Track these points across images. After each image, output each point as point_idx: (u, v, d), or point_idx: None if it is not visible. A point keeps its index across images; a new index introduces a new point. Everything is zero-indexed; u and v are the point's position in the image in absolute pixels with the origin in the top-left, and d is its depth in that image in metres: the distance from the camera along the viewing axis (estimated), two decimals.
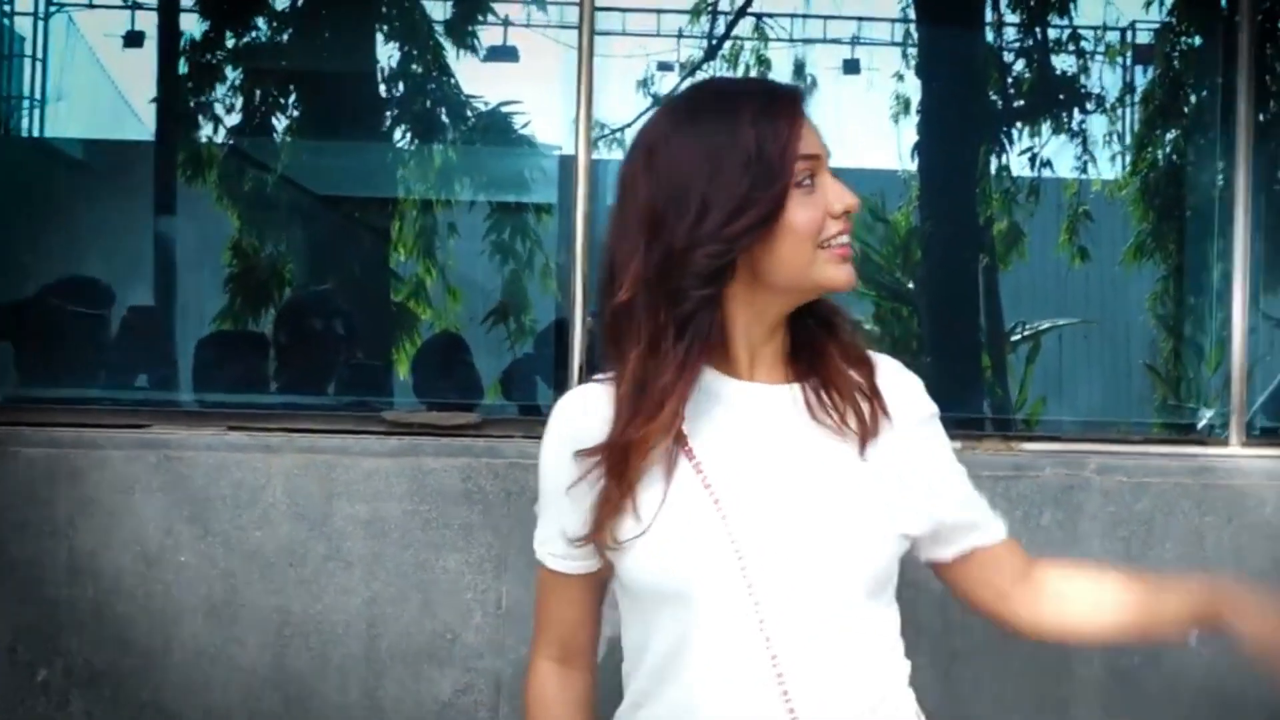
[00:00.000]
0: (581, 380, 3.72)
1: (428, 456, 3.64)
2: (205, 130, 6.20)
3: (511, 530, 3.61)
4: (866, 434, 1.89)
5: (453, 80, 6.41)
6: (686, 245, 1.79)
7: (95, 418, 3.76)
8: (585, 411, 1.93)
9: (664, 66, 7.14)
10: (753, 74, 7.08)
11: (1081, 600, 2.05)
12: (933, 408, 1.99)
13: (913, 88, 6.88)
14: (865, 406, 1.90)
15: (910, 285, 7.19)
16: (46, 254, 5.56)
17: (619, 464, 1.84)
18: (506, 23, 6.47)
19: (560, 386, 3.91)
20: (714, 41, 6.98)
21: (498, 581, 3.61)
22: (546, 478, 1.99)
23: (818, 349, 1.92)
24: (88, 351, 4.92)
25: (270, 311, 5.83)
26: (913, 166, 6.77)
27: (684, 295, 1.81)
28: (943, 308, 6.64)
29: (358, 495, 3.62)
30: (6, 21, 6.83)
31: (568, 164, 3.91)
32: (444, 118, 6.50)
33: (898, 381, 1.96)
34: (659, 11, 6.95)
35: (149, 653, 3.59)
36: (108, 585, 3.58)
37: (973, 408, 5.86)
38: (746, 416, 1.90)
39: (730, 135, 1.81)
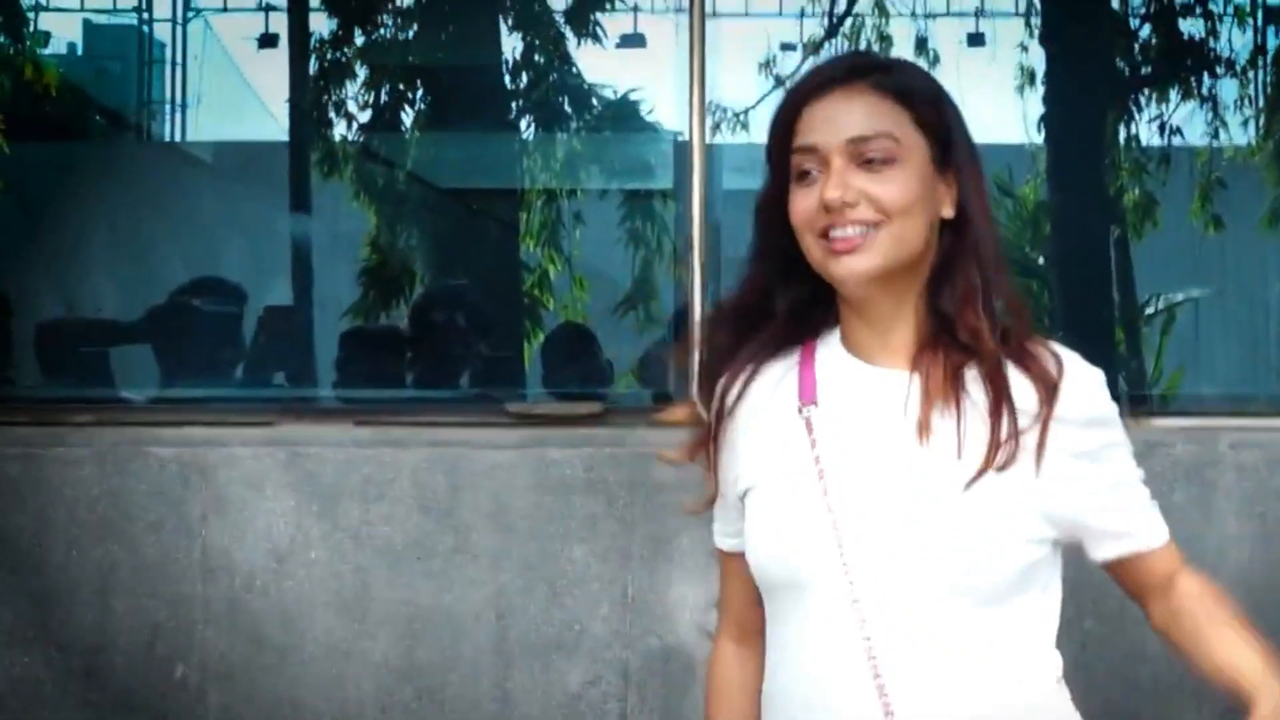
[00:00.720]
0: (702, 366, 3.65)
1: (551, 447, 3.60)
2: (338, 128, 6.22)
3: (636, 521, 3.55)
4: (996, 433, 1.75)
5: (574, 69, 6.37)
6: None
7: (225, 416, 3.76)
8: (728, 383, 1.89)
9: (786, 47, 7.03)
10: (875, 50, 6.94)
11: (1182, 630, 1.94)
12: (1101, 410, 1.81)
13: (1037, 59, 6.70)
14: (994, 411, 1.78)
15: (1040, 260, 7.02)
16: (185, 257, 5.62)
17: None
18: (634, 9, 6.41)
19: (682, 374, 3.85)
20: (835, 20, 6.84)
21: (623, 572, 3.56)
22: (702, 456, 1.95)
23: (939, 343, 1.80)
24: (221, 351, 4.95)
25: (401, 306, 5.83)
26: (1039, 139, 6.59)
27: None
28: (1074, 281, 6.48)
29: (483, 487, 3.59)
30: (146, 29, 6.92)
31: (683, 149, 3.84)
32: (567, 107, 6.45)
33: (1069, 379, 1.78)
34: None
35: (283, 648, 3.59)
36: (241, 583, 3.59)
37: (1107, 384, 5.69)
38: (865, 399, 1.82)
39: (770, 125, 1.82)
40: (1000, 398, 1.76)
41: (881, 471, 1.79)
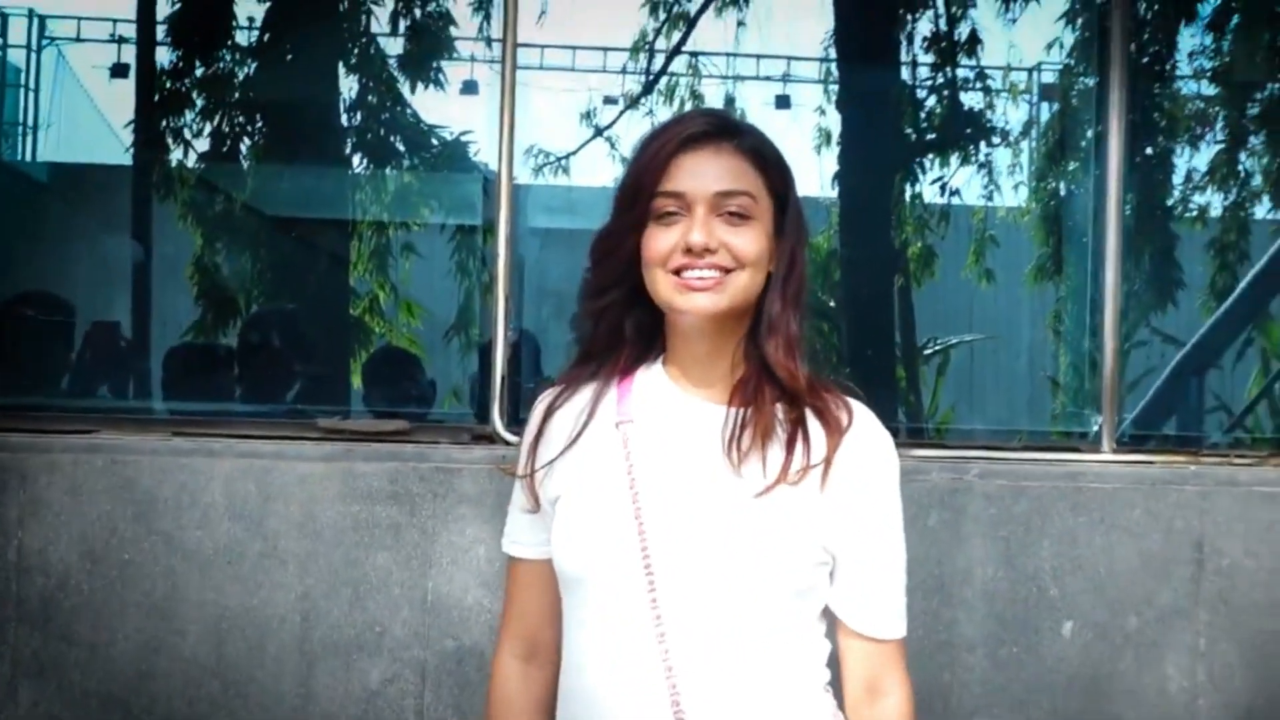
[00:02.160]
0: (504, 393, 3.67)
1: (359, 461, 3.58)
2: (177, 155, 6.12)
3: (437, 530, 3.54)
4: (790, 455, 1.83)
5: (407, 110, 6.35)
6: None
7: (47, 424, 3.67)
8: (553, 401, 1.98)
9: (609, 100, 7.08)
10: (688, 106, 7.02)
11: None
12: (882, 462, 1.89)
13: (835, 122, 6.83)
14: (790, 442, 1.84)
15: (831, 304, 7.14)
16: (23, 272, 5.47)
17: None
18: (471, 58, 6.41)
19: (482, 398, 3.86)
20: (651, 77, 6.92)
21: (423, 578, 3.55)
22: (519, 465, 1.99)
23: (761, 381, 1.88)
24: (48, 362, 4.83)
25: (235, 327, 5.75)
26: (834, 194, 6.72)
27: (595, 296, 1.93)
28: (861, 324, 6.60)
29: (292, 497, 3.55)
30: (1, 53, 6.74)
31: (494, 188, 3.85)
32: (399, 145, 6.43)
33: (859, 426, 1.87)
34: (604, 49, 6.91)
35: (94, 645, 3.51)
36: (55, 582, 3.50)
37: (888, 416, 5.81)
38: (681, 425, 1.88)
39: (630, 165, 1.88)
40: (797, 429, 1.83)
41: (689, 484, 1.83)
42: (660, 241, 1.85)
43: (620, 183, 1.91)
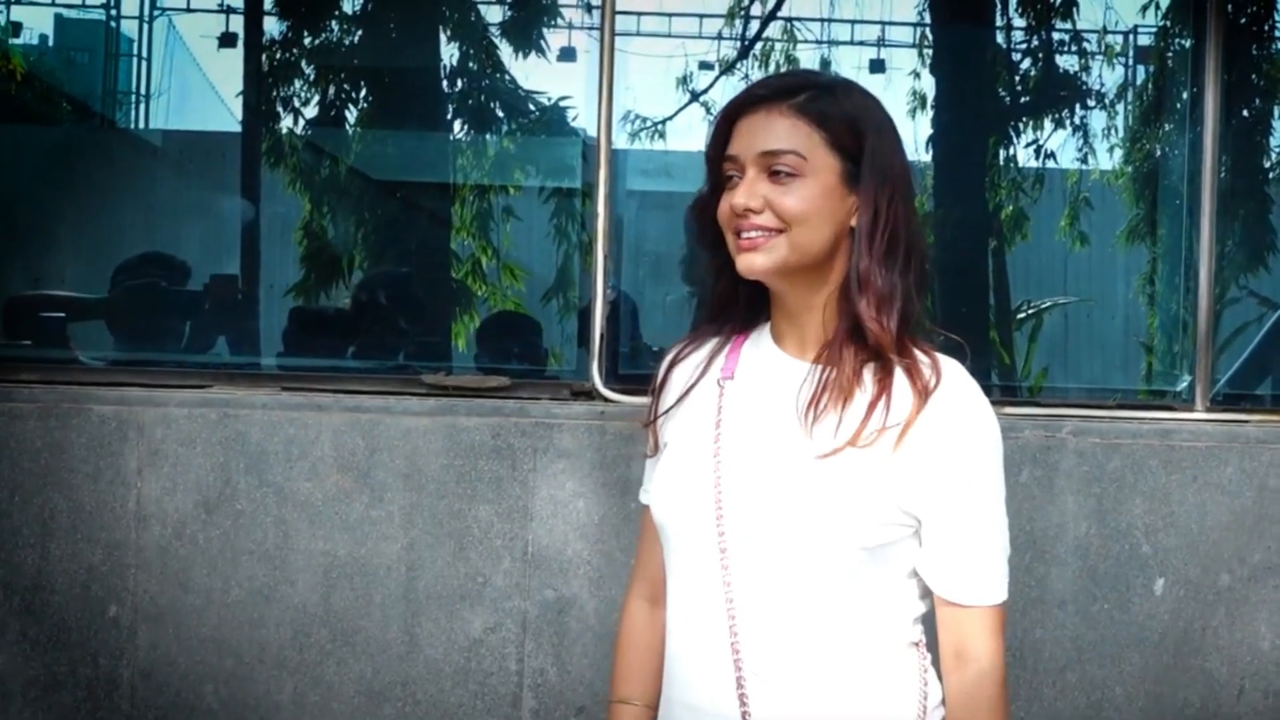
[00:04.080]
0: (603, 351, 3.68)
1: (461, 415, 3.62)
2: (285, 122, 6.18)
3: (538, 484, 3.58)
4: (868, 418, 1.80)
5: (506, 76, 6.37)
6: None
7: (163, 379, 3.75)
8: (679, 353, 2.02)
9: (705, 66, 7.06)
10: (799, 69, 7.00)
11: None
12: (969, 422, 1.82)
13: (929, 85, 6.76)
14: (872, 403, 1.81)
15: (926, 266, 7.10)
16: (140, 236, 5.58)
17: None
18: (569, 26, 6.43)
19: (582, 356, 3.88)
20: (746, 42, 6.88)
21: (524, 530, 3.58)
22: (647, 414, 2.05)
23: (846, 340, 1.85)
24: (164, 320, 4.93)
25: (339, 288, 5.82)
26: (928, 158, 6.65)
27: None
28: (955, 286, 6.53)
29: (397, 450, 3.60)
30: (114, 24, 6.85)
31: (593, 153, 3.86)
32: (498, 110, 6.46)
33: (946, 387, 1.83)
34: (700, 16, 6.89)
35: (209, 591, 3.58)
36: (172, 531, 3.58)
37: (981, 376, 5.76)
38: (770, 384, 1.89)
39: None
40: (883, 392, 1.81)
41: (765, 443, 1.84)
42: (722, 205, 1.88)
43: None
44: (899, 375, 1.82)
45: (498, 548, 3.59)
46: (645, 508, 2.02)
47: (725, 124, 1.87)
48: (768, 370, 1.90)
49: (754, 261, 1.83)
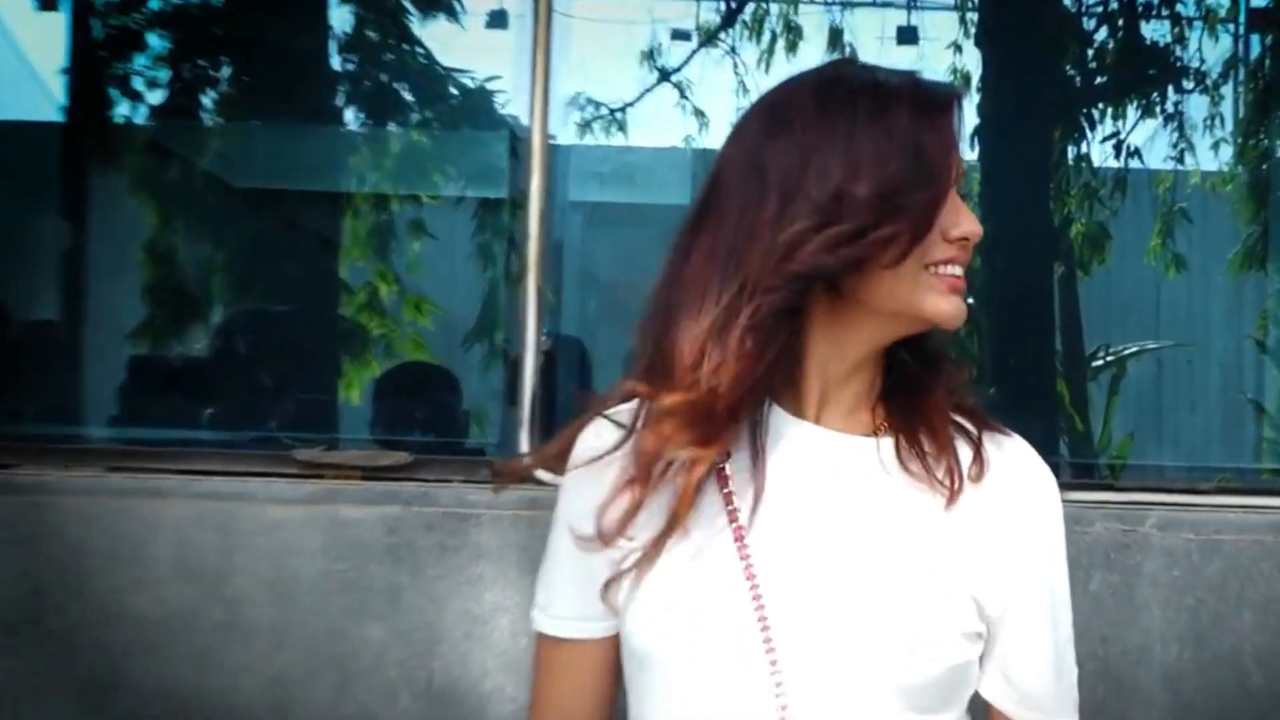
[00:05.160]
0: (536, 415, 3.69)
1: (347, 504, 3.61)
2: (121, 110, 6.21)
3: (447, 595, 3.57)
4: (954, 496, 1.87)
5: (418, 50, 6.41)
6: (807, 229, 1.80)
7: None
8: (601, 435, 1.96)
9: (679, 35, 7.12)
10: (780, 44, 7.05)
11: None
12: (1051, 521, 1.94)
13: (973, 61, 6.83)
14: (963, 467, 1.88)
15: (969, 299, 7.13)
16: None
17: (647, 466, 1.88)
18: None
19: (510, 420, 3.88)
20: (733, 4, 6.95)
21: (429, 657, 3.57)
22: (561, 515, 2.00)
23: (916, 396, 1.93)
24: None
25: (191, 330, 5.84)
26: (972, 155, 6.72)
27: (776, 283, 1.81)
28: (1009, 327, 6.60)
29: (261, 550, 3.58)
30: None
31: (525, 150, 3.87)
32: (407, 95, 6.49)
33: (1025, 464, 1.95)
34: None
35: None
36: None
37: (1045, 449, 5.78)
38: (808, 465, 1.89)
39: (885, 126, 1.82)
40: (976, 458, 1.89)
41: (819, 542, 1.85)
42: (949, 223, 1.92)
43: (898, 150, 1.93)
44: (961, 442, 1.92)
45: (393, 680, 3.57)
46: (551, 640, 2.02)
47: (953, 120, 1.88)
48: (788, 444, 1.91)
49: (962, 309, 1.88)
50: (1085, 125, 6.97)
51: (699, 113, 6.75)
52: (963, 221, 1.85)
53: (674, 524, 1.85)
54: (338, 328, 6.19)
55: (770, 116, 1.86)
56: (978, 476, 1.88)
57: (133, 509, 3.59)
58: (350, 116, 6.54)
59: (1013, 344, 6.53)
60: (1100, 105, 7.00)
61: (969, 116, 6.75)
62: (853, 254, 1.78)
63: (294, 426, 4.98)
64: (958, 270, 1.87)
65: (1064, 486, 3.60)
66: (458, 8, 6.41)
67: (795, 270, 1.78)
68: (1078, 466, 6.20)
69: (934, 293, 1.85)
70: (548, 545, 2.01)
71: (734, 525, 1.87)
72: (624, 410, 1.94)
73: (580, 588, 1.97)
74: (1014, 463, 1.92)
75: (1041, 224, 6.74)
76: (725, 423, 1.82)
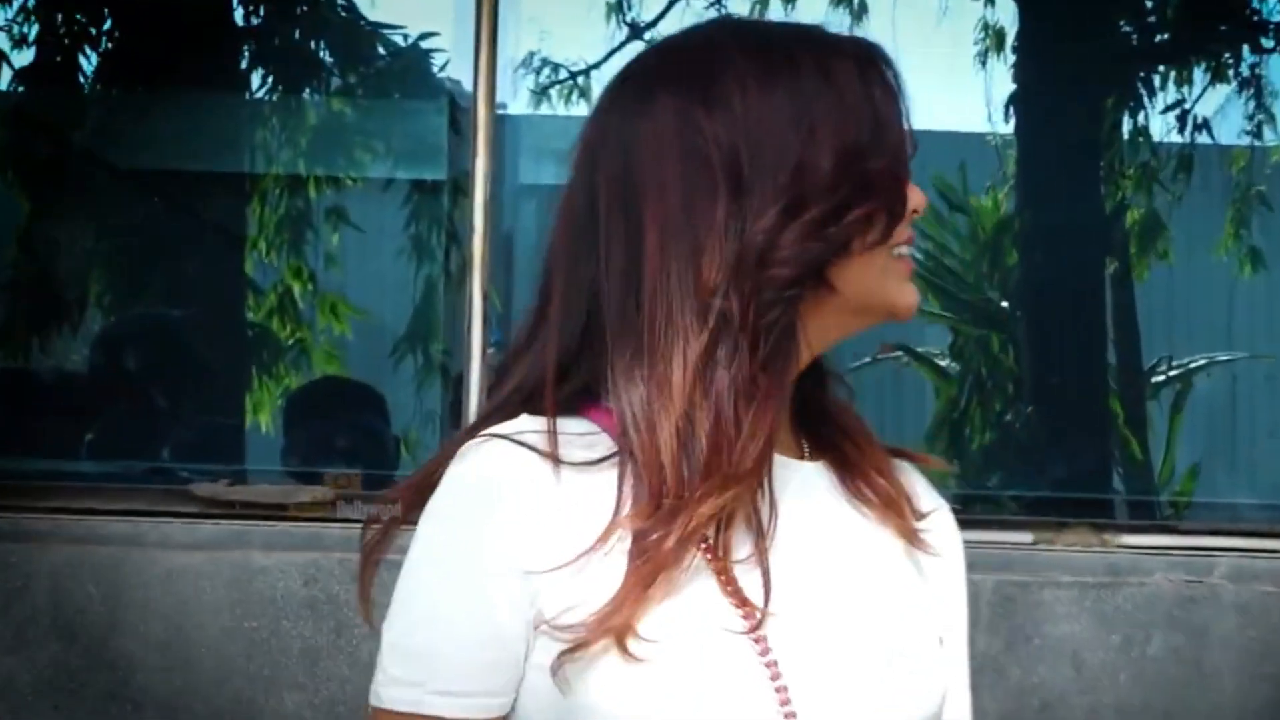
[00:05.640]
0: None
1: (257, 550, 3.63)
2: None
3: (375, 658, 3.59)
4: (912, 532, 1.93)
5: (338, 3, 6.43)
6: (778, 216, 1.76)
7: None
8: (526, 464, 1.79)
9: None
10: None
11: None
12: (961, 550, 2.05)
13: (1008, 15, 6.86)
14: (904, 500, 1.94)
15: (1003, 302, 7.16)
16: None
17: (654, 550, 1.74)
18: None
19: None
20: None
21: None
22: (467, 555, 1.81)
23: (829, 412, 1.94)
24: None
25: (57, 338, 5.84)
26: (1007, 129, 6.75)
27: (765, 295, 1.77)
28: (1052, 335, 6.62)
29: (154, 606, 3.61)
30: None
31: (468, 123, 3.90)
32: (325, 56, 6.51)
33: (928, 487, 2.01)
34: None
35: None
36: None
37: (1097, 482, 5.82)
38: (788, 501, 1.90)
39: (836, 88, 1.82)
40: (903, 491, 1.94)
41: (809, 583, 1.87)
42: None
43: (854, 118, 1.91)
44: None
45: None
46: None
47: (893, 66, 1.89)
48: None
49: (918, 296, 1.91)
50: (1143, 93, 6.98)
51: None
52: (914, 194, 1.86)
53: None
54: (244, 336, 6.19)
55: (690, 84, 1.81)
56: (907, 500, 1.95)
57: (2, 554, 3.62)
58: (256, 82, 6.54)
59: (1056, 356, 6.55)
60: (1161, 69, 7.01)
61: (1004, 81, 6.81)
62: (839, 235, 1.78)
63: (192, 456, 4.98)
64: (914, 252, 1.90)
65: (1118, 528, 3.68)
66: None
67: (785, 274, 1.76)
68: (1134, 504, 6.22)
69: (899, 279, 1.86)
70: (411, 594, 1.79)
71: (729, 594, 1.88)
72: (527, 432, 1.79)
73: (494, 654, 1.91)
74: (922, 485, 1.99)
75: (1091, 212, 6.75)
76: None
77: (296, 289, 6.30)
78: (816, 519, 1.90)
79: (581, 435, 1.77)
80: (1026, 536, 3.86)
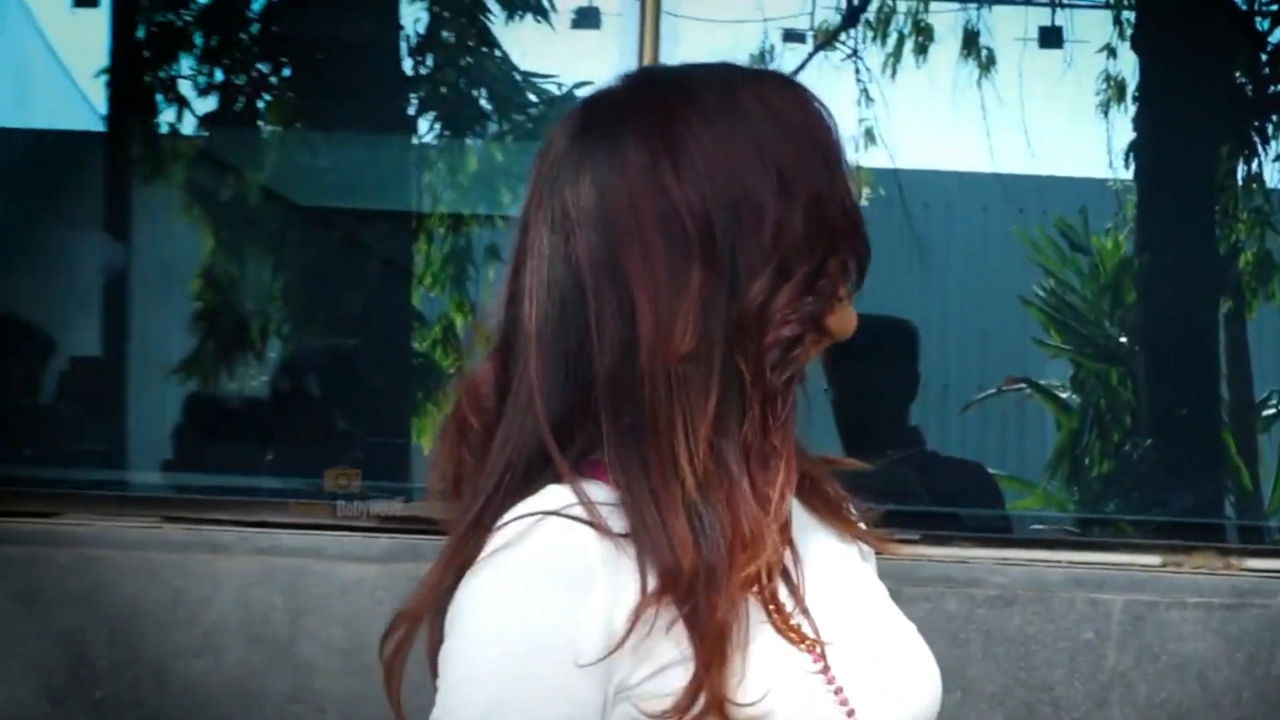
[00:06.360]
0: None
1: (428, 563, 3.66)
2: (166, 118, 6.25)
3: None
4: (860, 534, 1.96)
5: (497, 52, 6.46)
6: (769, 276, 1.70)
7: None
8: (601, 557, 1.68)
9: (792, 36, 7.13)
10: (908, 46, 7.07)
11: None
12: None
13: (1129, 66, 6.82)
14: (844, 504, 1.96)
15: (1122, 338, 7.13)
16: None
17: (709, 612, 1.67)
18: None
19: None
20: (854, 2, 6.98)
21: None
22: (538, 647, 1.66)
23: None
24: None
25: (246, 363, 5.89)
26: (1127, 174, 6.72)
27: (772, 355, 1.71)
28: (1168, 371, 6.58)
29: (333, 613, 3.64)
30: None
31: None
32: (484, 103, 6.54)
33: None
34: None
35: None
36: None
37: (1211, 509, 5.77)
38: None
39: (785, 128, 1.75)
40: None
41: (848, 619, 1.90)
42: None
43: (820, 158, 1.93)
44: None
45: None
46: None
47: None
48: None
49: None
50: (1256, 140, 6.93)
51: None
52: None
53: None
54: (411, 364, 6.22)
55: (653, 142, 1.69)
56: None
57: (190, 564, 3.66)
58: (424, 127, 6.57)
59: (1172, 390, 6.50)
60: (1274, 118, 6.96)
61: (1125, 130, 6.78)
62: (828, 287, 1.72)
63: (368, 474, 5.01)
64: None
65: (1241, 553, 3.67)
66: (545, 5, 6.43)
67: (790, 333, 1.70)
68: (1252, 530, 6.15)
69: (847, 301, 1.80)
70: (471, 683, 1.61)
71: (800, 643, 1.89)
72: (573, 505, 1.66)
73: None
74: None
75: (1206, 253, 6.71)
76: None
77: (459, 322, 6.31)
78: (802, 536, 1.92)
79: (607, 505, 1.64)
80: (1154, 559, 3.85)
